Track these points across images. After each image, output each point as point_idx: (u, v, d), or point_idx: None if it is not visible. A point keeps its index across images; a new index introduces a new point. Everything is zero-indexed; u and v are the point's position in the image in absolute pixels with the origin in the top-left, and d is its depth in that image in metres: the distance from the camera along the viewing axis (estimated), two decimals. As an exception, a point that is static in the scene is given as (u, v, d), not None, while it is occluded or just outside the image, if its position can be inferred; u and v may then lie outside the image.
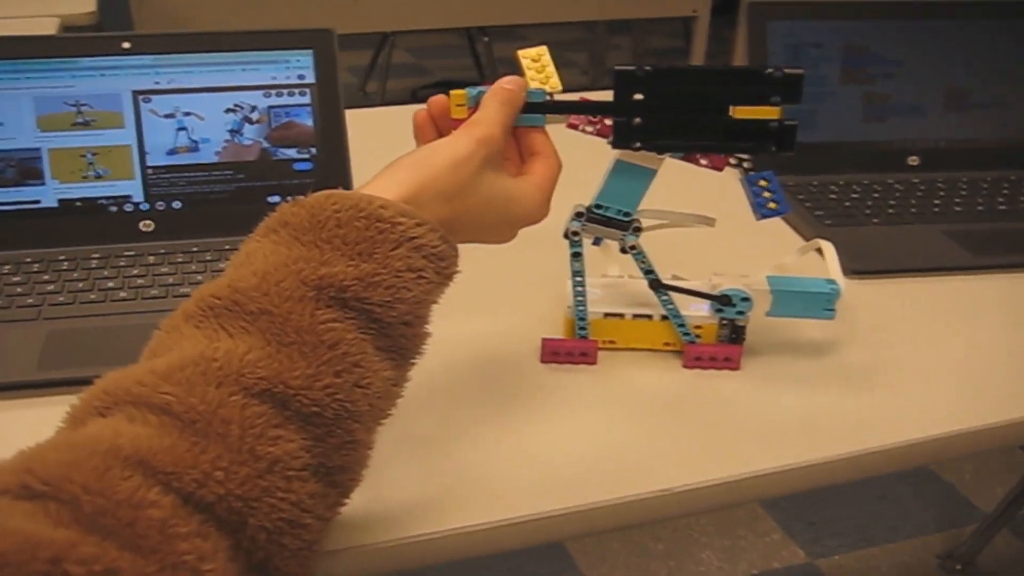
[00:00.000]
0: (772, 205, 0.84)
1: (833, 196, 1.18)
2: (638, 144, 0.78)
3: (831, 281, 0.87)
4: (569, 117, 0.83)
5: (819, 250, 0.92)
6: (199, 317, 0.59)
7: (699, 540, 1.98)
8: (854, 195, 1.19)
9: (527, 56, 0.84)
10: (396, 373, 0.63)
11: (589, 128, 0.83)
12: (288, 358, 0.56)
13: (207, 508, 0.51)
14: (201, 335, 0.58)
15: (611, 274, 0.94)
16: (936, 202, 1.18)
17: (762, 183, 0.84)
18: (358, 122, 1.12)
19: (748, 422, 0.81)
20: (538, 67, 0.84)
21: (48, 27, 1.98)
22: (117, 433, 0.51)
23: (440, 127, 0.78)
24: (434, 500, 0.71)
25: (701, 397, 0.84)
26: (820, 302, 0.86)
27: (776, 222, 1.15)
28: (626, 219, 0.84)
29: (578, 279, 0.86)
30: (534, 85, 0.83)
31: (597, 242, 0.88)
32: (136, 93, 1.04)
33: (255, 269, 0.60)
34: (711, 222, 0.89)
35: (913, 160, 1.27)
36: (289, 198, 1.06)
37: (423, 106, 0.79)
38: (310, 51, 1.07)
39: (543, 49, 0.85)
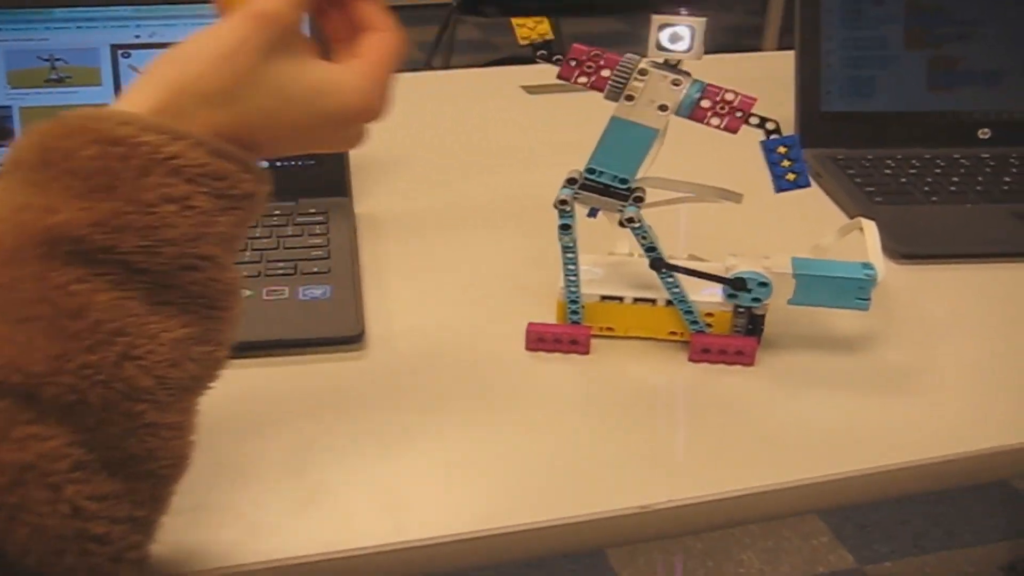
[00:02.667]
0: (791, 176, 0.70)
1: (889, 171, 1.02)
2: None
3: (867, 265, 0.73)
4: (561, 66, 0.70)
5: (861, 230, 0.77)
6: None
7: (741, 540, 1.81)
8: (912, 171, 1.03)
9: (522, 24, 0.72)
10: (196, 330, 0.48)
11: (583, 79, 0.70)
12: (26, 339, 0.43)
13: None
14: None
15: (619, 252, 0.80)
16: (1007, 179, 1.01)
17: (781, 150, 0.70)
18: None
19: (759, 428, 0.67)
20: (531, 21, 0.72)
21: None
22: None
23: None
24: (389, 508, 0.59)
25: (706, 396, 0.70)
26: (852, 289, 0.72)
27: (819, 197, 1.00)
28: (624, 187, 0.71)
29: (568, 256, 0.73)
30: (522, 32, 0.71)
31: (592, 214, 0.74)
32: (115, 47, 0.93)
33: None
34: (737, 198, 0.75)
35: (984, 133, 1.10)
36: (277, 163, 0.96)
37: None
38: None
39: (541, 18, 0.72)
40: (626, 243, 0.80)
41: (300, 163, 0.95)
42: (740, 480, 0.62)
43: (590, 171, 0.71)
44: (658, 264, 0.72)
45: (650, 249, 0.72)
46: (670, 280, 0.73)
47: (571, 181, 0.71)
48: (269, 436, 0.65)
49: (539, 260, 0.87)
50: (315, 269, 0.82)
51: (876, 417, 0.68)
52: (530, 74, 1.39)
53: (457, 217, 0.96)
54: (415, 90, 1.32)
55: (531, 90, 1.32)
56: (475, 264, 0.87)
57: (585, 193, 0.71)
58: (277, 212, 0.91)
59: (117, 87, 0.92)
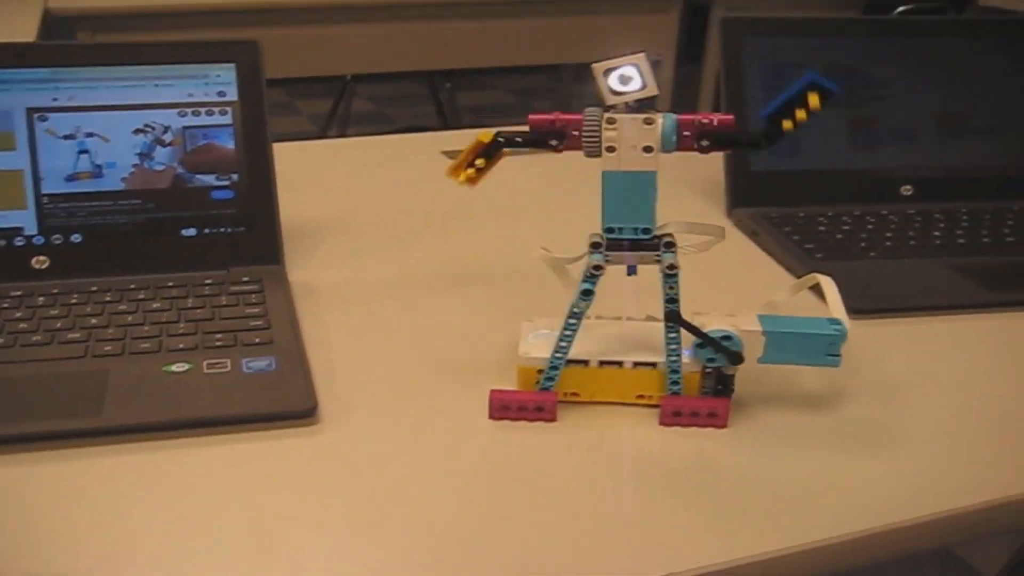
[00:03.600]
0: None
1: (823, 228, 1.01)
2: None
3: (834, 321, 0.70)
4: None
5: (814, 287, 0.75)
6: None
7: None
8: (845, 227, 1.02)
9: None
10: None
11: (553, 142, 0.67)
12: None
13: None
14: None
15: (606, 316, 0.76)
16: (936, 234, 1.01)
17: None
18: (286, 155, 0.95)
19: (737, 493, 0.63)
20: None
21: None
22: None
23: None
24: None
25: (680, 461, 0.66)
26: (822, 346, 0.69)
27: (759, 255, 0.99)
28: (649, 237, 0.67)
29: (572, 322, 0.69)
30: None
31: (631, 271, 0.70)
32: (31, 111, 0.86)
33: None
34: (720, 232, 0.72)
35: (907, 189, 1.10)
36: (206, 231, 0.90)
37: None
38: (232, 65, 0.90)
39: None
40: (633, 299, 0.76)
41: (230, 230, 0.89)
42: (722, 551, 0.58)
43: (609, 231, 0.67)
44: (673, 317, 0.68)
45: (671, 300, 0.68)
46: (673, 335, 0.69)
47: (595, 245, 0.68)
48: (226, 519, 0.59)
49: (491, 324, 0.83)
50: (256, 340, 0.76)
51: (852, 476, 0.65)
52: (449, 139, 1.36)
53: (397, 283, 0.91)
54: (335, 157, 1.28)
55: (451, 155, 1.29)
56: (424, 330, 0.83)
57: (615, 253, 0.68)
58: (209, 281, 0.85)
59: (33, 152, 0.86)
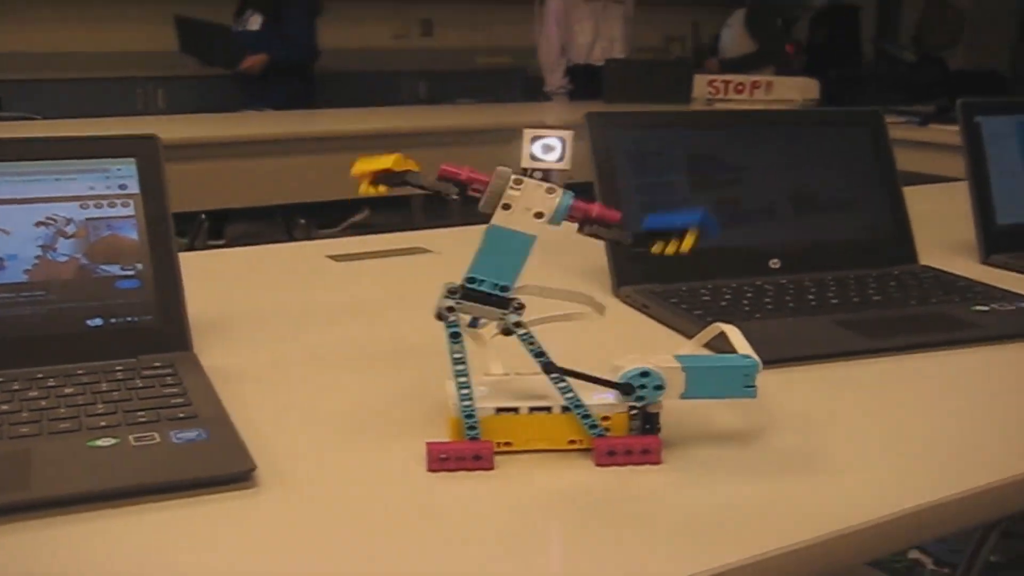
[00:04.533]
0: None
1: (707, 298, 1.06)
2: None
3: (746, 356, 0.73)
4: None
5: (717, 338, 0.78)
6: None
7: None
8: (727, 296, 1.07)
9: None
10: None
11: (453, 193, 0.70)
12: None
13: None
14: None
15: (494, 372, 0.77)
16: (811, 298, 1.07)
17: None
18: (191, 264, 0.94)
19: (681, 519, 0.64)
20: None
21: None
22: None
23: None
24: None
25: (622, 496, 0.67)
26: (739, 377, 0.72)
27: (652, 325, 1.02)
28: (504, 295, 0.69)
29: (459, 368, 0.69)
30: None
31: (474, 323, 0.71)
32: (-58, 205, 0.83)
33: None
34: (601, 309, 0.75)
35: (774, 263, 1.17)
36: (112, 320, 0.88)
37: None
38: (132, 159, 0.90)
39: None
40: (498, 363, 0.77)
41: (136, 318, 0.87)
42: (674, 570, 0.58)
43: (470, 280, 0.69)
44: (551, 368, 0.70)
45: (539, 355, 0.70)
46: (563, 385, 0.70)
47: (452, 292, 0.69)
48: (176, 579, 0.56)
49: (412, 390, 0.83)
50: (180, 415, 0.74)
51: (787, 495, 0.67)
52: (333, 246, 1.37)
53: (310, 363, 0.90)
54: (224, 263, 1.28)
55: (337, 258, 1.30)
56: (347, 400, 0.82)
57: (466, 303, 0.69)
58: (119, 368, 0.82)
59: (-65, 247, 0.83)
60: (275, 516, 0.63)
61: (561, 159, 0.70)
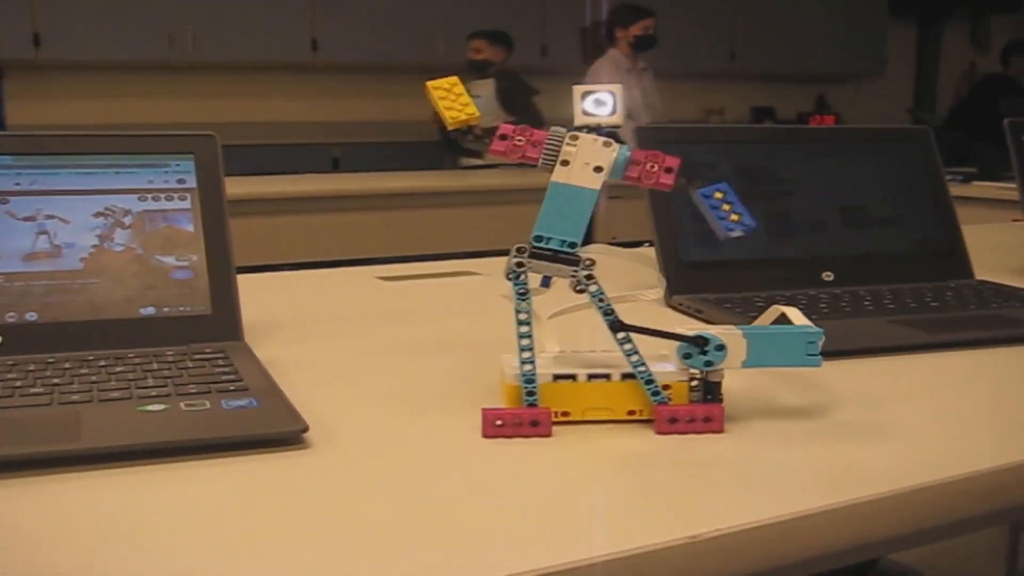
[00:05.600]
0: (735, 217, 0.68)
1: (760, 304, 1.03)
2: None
3: (808, 326, 0.70)
4: (492, 142, 0.68)
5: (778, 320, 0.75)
6: None
7: None
8: (781, 303, 1.03)
9: (439, 87, 0.69)
10: None
11: (515, 154, 0.67)
12: None
13: None
14: None
15: (549, 350, 0.74)
16: (867, 304, 1.03)
17: (718, 195, 0.69)
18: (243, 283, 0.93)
19: (743, 476, 0.60)
20: (452, 96, 0.69)
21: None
22: None
23: None
24: None
25: (682, 459, 0.63)
26: (802, 346, 0.69)
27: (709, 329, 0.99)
28: (573, 252, 0.67)
29: (524, 329, 0.67)
30: (451, 115, 0.68)
31: (545, 283, 0.68)
32: (-10, 193, 0.83)
33: None
34: (662, 283, 0.73)
35: (827, 275, 1.13)
36: (166, 308, 0.86)
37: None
38: (191, 155, 0.89)
39: (454, 79, 0.70)
40: (554, 341, 0.75)
41: (189, 308, 0.85)
42: (739, 516, 0.54)
43: (537, 238, 0.67)
44: (618, 326, 0.67)
45: (608, 313, 0.67)
46: (629, 346, 0.67)
47: (520, 250, 0.67)
48: (220, 538, 0.53)
49: (464, 376, 0.80)
50: (231, 388, 0.71)
51: (854, 457, 0.63)
52: (383, 269, 1.36)
53: (363, 354, 0.88)
54: (275, 283, 1.27)
55: (387, 279, 1.29)
56: (401, 381, 0.80)
57: (535, 261, 0.67)
58: (170, 352, 0.80)
59: (-11, 233, 0.82)
60: (327, 476, 0.60)
61: (613, 113, 0.68)
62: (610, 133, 0.68)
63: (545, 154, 0.68)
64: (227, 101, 5.50)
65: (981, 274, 1.18)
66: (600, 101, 0.68)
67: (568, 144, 0.67)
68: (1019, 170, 1.25)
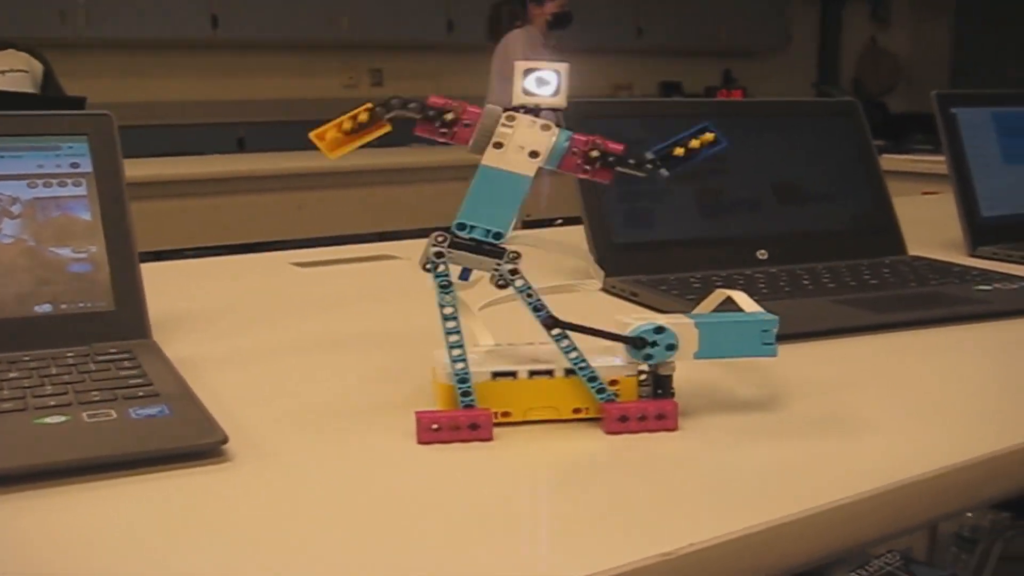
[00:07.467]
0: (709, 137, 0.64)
1: (697, 285, 0.99)
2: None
3: (761, 313, 0.66)
4: (417, 123, 0.62)
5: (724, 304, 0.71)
6: None
7: None
8: (718, 284, 1.00)
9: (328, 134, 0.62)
10: None
11: (443, 131, 0.62)
12: None
13: None
14: None
15: (483, 344, 0.69)
16: (806, 283, 1.00)
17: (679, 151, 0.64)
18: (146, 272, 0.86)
19: (709, 480, 0.56)
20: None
21: None
22: None
23: None
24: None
25: (638, 462, 0.59)
26: (757, 334, 0.65)
27: (645, 313, 0.95)
28: (498, 243, 0.61)
29: (451, 325, 0.61)
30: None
31: (464, 276, 0.63)
32: None
33: None
34: (598, 274, 0.68)
35: (762, 254, 1.10)
36: (63, 305, 0.79)
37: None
38: (84, 137, 0.81)
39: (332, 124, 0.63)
40: (488, 334, 0.69)
41: (89, 304, 0.78)
42: (697, 533, 0.50)
43: (460, 226, 0.61)
44: (552, 323, 0.62)
45: (538, 309, 0.62)
46: (566, 344, 0.63)
47: (440, 239, 0.61)
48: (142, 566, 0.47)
49: (392, 376, 0.75)
50: (140, 393, 0.65)
51: (818, 456, 0.59)
52: (297, 254, 1.29)
53: (280, 352, 0.82)
54: (181, 272, 1.20)
55: (302, 265, 1.22)
56: (325, 382, 0.74)
57: (455, 251, 0.61)
58: (70, 354, 0.73)
59: None
60: (251, 492, 0.54)
61: (556, 94, 0.63)
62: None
63: (479, 133, 0.62)
64: (124, 80, 5.31)
65: (911, 250, 1.16)
66: (543, 80, 0.63)
67: (503, 125, 0.62)
68: (947, 143, 1.24)
